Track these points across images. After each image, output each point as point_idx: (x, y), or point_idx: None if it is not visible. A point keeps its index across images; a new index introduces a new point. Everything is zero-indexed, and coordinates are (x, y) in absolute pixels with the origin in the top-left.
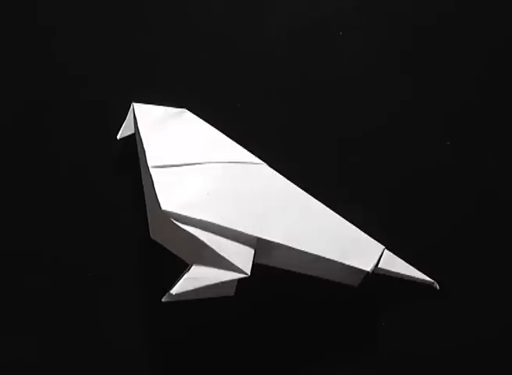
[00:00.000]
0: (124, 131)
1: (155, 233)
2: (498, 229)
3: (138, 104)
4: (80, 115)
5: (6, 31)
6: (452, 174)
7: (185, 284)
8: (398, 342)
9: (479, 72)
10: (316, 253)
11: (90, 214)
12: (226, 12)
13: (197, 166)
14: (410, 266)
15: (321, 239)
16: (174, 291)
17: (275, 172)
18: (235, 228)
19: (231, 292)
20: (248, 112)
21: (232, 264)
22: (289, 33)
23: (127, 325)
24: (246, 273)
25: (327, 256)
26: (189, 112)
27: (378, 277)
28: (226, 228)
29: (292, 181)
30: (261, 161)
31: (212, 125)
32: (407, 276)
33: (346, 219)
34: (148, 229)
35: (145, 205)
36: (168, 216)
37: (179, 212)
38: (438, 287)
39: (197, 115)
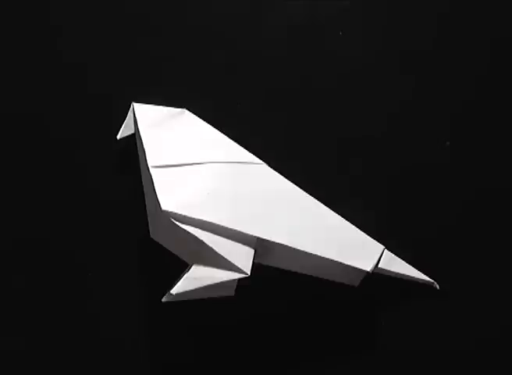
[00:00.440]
0: (124, 131)
1: (155, 233)
2: (498, 229)
3: (138, 104)
4: (80, 115)
5: (6, 31)
6: (452, 174)
7: (185, 284)
8: (398, 342)
9: (479, 72)
10: (316, 253)
11: (90, 214)
12: (226, 12)
13: (197, 166)
14: (410, 266)
15: (321, 239)
16: (174, 291)
17: (275, 172)
18: (235, 228)
19: (231, 292)
20: (248, 112)
21: (233, 264)
22: (289, 33)
23: (127, 325)
24: (246, 273)
25: (327, 256)
26: (189, 112)
27: (378, 277)
28: (226, 228)
29: (292, 181)
30: (261, 161)
31: (212, 125)
32: (407, 276)
33: (346, 219)
34: (148, 229)
35: (145, 205)
36: (168, 215)
37: (179, 212)
38: (438, 287)
39: (197, 115)
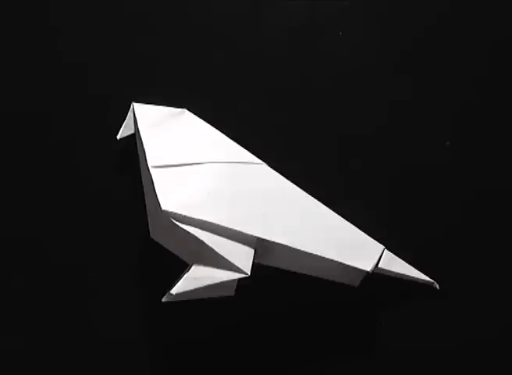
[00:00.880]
0: (124, 131)
1: (155, 233)
2: (498, 229)
3: (138, 104)
4: (80, 115)
5: (6, 31)
6: (452, 174)
7: (185, 284)
8: (398, 342)
9: (479, 72)
10: (316, 253)
11: (90, 214)
12: (226, 12)
13: (197, 165)
14: (410, 266)
15: (321, 239)
16: (174, 291)
17: (275, 172)
18: (235, 228)
19: (231, 292)
20: (248, 112)
21: (233, 264)
22: (289, 34)
23: (127, 325)
24: (246, 273)
25: (327, 256)
26: (189, 112)
27: (378, 277)
28: (226, 228)
29: (292, 181)
30: (261, 161)
31: (212, 125)
32: (407, 276)
33: (346, 219)
34: (148, 229)
35: (145, 205)
36: (168, 215)
37: (179, 212)
38: (438, 287)
39: (197, 115)
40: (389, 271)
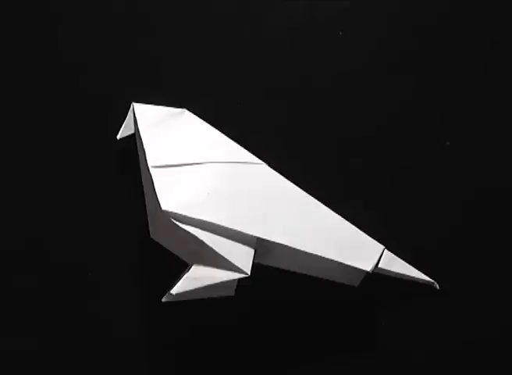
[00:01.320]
0: (124, 131)
1: (155, 233)
2: (498, 229)
3: (138, 104)
4: (80, 115)
5: (6, 31)
6: (452, 174)
7: (185, 284)
8: (398, 342)
9: (479, 72)
10: (316, 253)
11: (90, 214)
12: (226, 12)
13: (197, 165)
14: (410, 266)
15: (321, 239)
16: (174, 291)
17: (275, 172)
18: (235, 228)
19: (231, 292)
20: (248, 112)
21: (233, 264)
22: (289, 34)
23: (127, 325)
24: (246, 273)
25: (327, 256)
26: (189, 112)
27: (378, 277)
28: (226, 228)
29: (292, 181)
30: (261, 161)
31: (212, 125)
32: (407, 276)
33: (346, 219)
34: (148, 229)
35: (145, 205)
36: (168, 215)
37: (179, 212)
38: (438, 287)
39: (197, 115)
40: (389, 271)
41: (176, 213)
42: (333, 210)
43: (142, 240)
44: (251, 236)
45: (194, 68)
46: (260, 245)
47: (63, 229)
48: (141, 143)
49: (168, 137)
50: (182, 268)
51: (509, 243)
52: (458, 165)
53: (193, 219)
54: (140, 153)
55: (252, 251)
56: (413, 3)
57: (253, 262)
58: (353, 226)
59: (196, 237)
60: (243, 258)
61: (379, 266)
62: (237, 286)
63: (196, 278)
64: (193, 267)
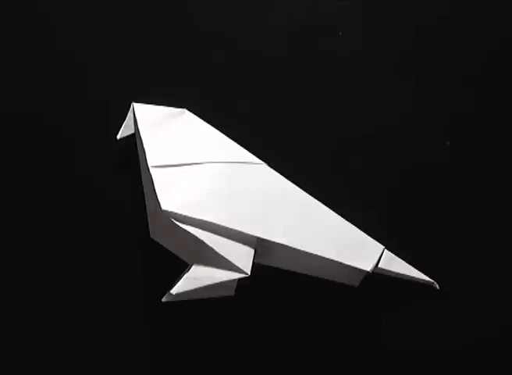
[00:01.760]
0: (124, 131)
1: (155, 233)
2: (498, 229)
3: (138, 104)
4: (80, 115)
5: (6, 32)
6: (452, 174)
7: (185, 284)
8: (398, 342)
9: (479, 72)
10: (316, 253)
11: (90, 214)
12: (226, 12)
13: (197, 165)
14: (410, 266)
15: (321, 239)
16: (174, 291)
17: (275, 172)
18: (235, 228)
19: (231, 292)
20: (248, 112)
21: (233, 264)
22: (289, 33)
23: (127, 325)
24: (246, 273)
25: (327, 256)
26: (189, 112)
27: (378, 277)
28: (226, 228)
29: (292, 181)
30: (261, 161)
31: (212, 125)
32: (407, 276)
33: (346, 219)
34: (148, 229)
35: (145, 205)
36: (168, 215)
37: (179, 212)
38: (438, 287)
39: (197, 115)
40: (389, 271)
41: (176, 213)
42: (333, 210)
43: (142, 240)
44: (251, 236)
45: (194, 68)
46: (260, 245)
47: (63, 229)
48: (141, 143)
49: (169, 137)
50: (182, 268)
51: (509, 243)
52: (458, 165)
53: (194, 219)
54: (140, 153)
55: (252, 251)
56: (413, 3)
57: (253, 262)
58: (353, 226)
59: (196, 237)
60: (243, 258)
61: (379, 266)
62: (237, 286)
63: (196, 278)
64: (193, 267)
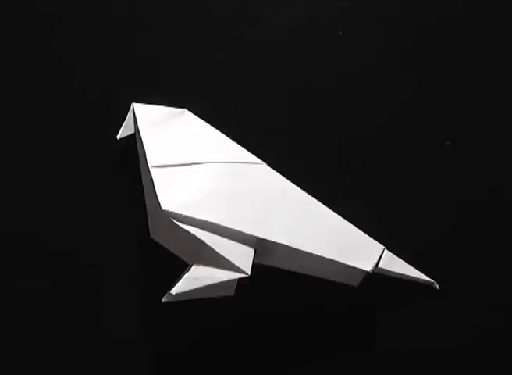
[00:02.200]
0: (124, 131)
1: (155, 233)
2: (498, 229)
3: (138, 104)
4: (80, 115)
5: (6, 32)
6: (452, 174)
7: (185, 284)
8: (398, 342)
9: (479, 72)
10: (316, 253)
11: (90, 214)
12: (226, 12)
13: (197, 165)
14: (410, 266)
15: (321, 239)
16: (174, 291)
17: (275, 172)
18: (235, 228)
19: (231, 292)
20: (248, 112)
21: (233, 264)
22: (289, 34)
23: (127, 325)
24: (246, 273)
25: (327, 256)
26: (189, 112)
27: (378, 277)
28: (226, 228)
29: (292, 181)
30: (261, 161)
31: (212, 125)
32: (407, 276)
33: (346, 219)
34: (148, 229)
35: (145, 205)
36: (168, 215)
37: (179, 212)
38: (438, 287)
39: (197, 115)
40: (389, 271)
41: (176, 213)
42: (333, 210)
43: (142, 240)
44: (251, 236)
45: (194, 68)
46: (260, 245)
47: (63, 229)
48: (141, 143)
49: (169, 137)
50: (182, 268)
51: (509, 243)
52: (458, 165)
53: (194, 219)
54: (140, 153)
55: (252, 251)
56: (413, 3)
57: (253, 262)
58: (353, 226)
59: (196, 237)
60: (243, 258)
61: (379, 266)
62: (237, 286)
63: (196, 278)
64: (193, 267)
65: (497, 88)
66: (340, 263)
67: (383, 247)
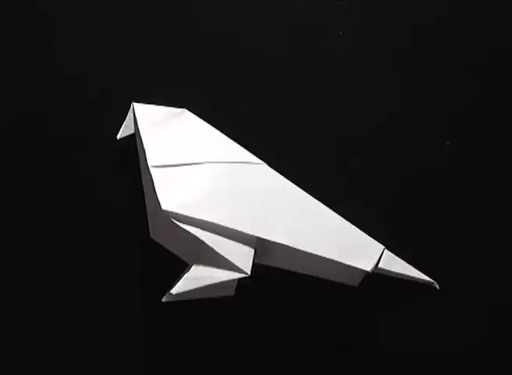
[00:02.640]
0: (124, 131)
1: (155, 233)
2: (498, 229)
3: (138, 104)
4: (80, 115)
5: (6, 32)
6: (452, 174)
7: (185, 284)
8: (398, 342)
9: (479, 72)
10: (316, 253)
11: (90, 214)
12: (226, 12)
13: (197, 165)
14: (410, 266)
15: (321, 239)
16: (174, 290)
17: (275, 172)
18: (235, 228)
19: (231, 292)
20: (248, 112)
21: (233, 264)
22: (289, 33)
23: (127, 325)
24: (246, 273)
25: (327, 256)
26: (189, 112)
27: (378, 277)
28: (226, 228)
29: (292, 181)
30: (261, 161)
31: (212, 125)
32: (407, 276)
33: (346, 219)
34: (148, 229)
35: (145, 205)
36: (168, 215)
37: (179, 212)
38: (438, 287)
39: (197, 115)
40: (389, 271)
41: (176, 213)
42: (333, 210)
43: (142, 240)
44: (251, 236)
45: (194, 68)
46: (260, 245)
47: (63, 229)
48: (141, 143)
49: (169, 137)
50: (182, 268)
51: (509, 243)
52: (458, 165)
53: (194, 219)
54: (140, 153)
55: (252, 251)
56: (413, 3)
57: (253, 262)
58: (353, 226)
59: (196, 237)
60: (243, 258)
61: (379, 266)
62: (237, 286)
63: (196, 278)
64: (193, 267)
65: (497, 88)
66: (340, 263)
67: (383, 247)
